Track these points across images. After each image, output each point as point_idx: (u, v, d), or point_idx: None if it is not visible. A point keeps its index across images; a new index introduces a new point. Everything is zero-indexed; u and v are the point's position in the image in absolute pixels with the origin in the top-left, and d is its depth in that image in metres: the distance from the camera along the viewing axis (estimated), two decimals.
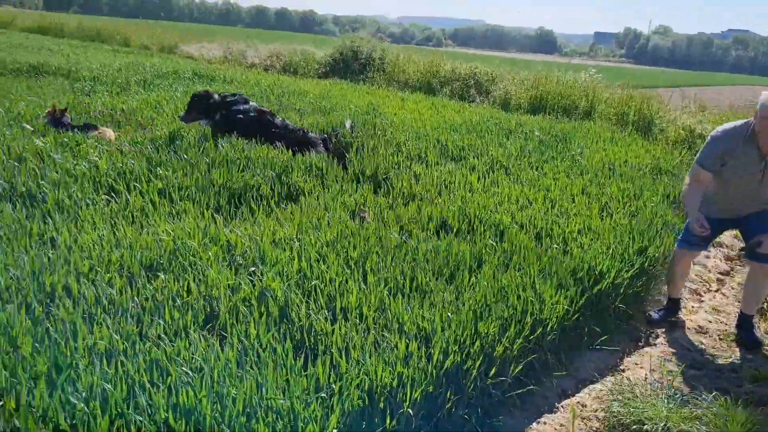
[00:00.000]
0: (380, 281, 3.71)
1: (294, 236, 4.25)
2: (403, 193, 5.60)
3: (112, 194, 4.77)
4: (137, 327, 3.03)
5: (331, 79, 15.17)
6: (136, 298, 3.27)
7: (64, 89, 9.50)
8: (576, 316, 3.89)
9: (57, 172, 4.93)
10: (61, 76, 10.89)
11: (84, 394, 2.51)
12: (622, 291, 4.32)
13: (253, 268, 3.71)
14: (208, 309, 3.28)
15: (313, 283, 3.58)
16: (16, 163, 5.07)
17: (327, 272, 3.71)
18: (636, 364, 3.89)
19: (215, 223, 4.35)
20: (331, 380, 2.80)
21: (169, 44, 21.74)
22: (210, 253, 3.80)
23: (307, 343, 3.11)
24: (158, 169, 5.26)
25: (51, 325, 2.97)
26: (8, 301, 3.13)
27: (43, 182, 4.70)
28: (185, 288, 3.43)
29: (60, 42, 20.19)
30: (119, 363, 2.71)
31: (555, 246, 4.60)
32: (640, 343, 4.26)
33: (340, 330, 3.14)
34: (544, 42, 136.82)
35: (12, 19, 29.12)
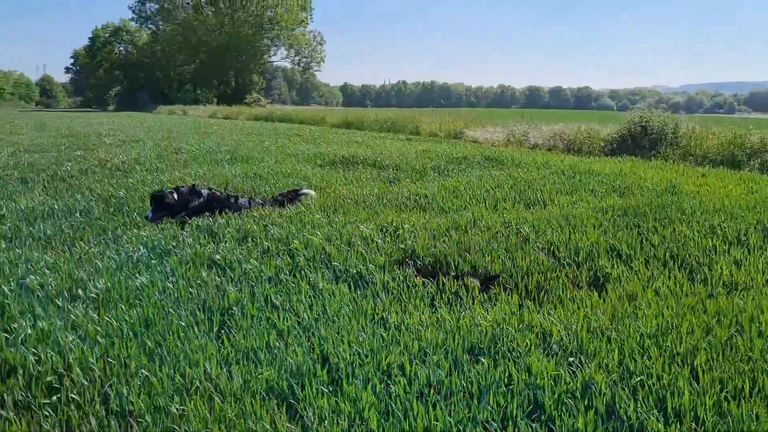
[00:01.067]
0: (714, 381, 3.40)
1: (609, 325, 4.12)
2: (723, 281, 5.12)
3: (429, 277, 5.14)
4: (467, 410, 3.17)
5: (618, 157, 14.70)
6: (461, 381, 3.44)
7: (374, 177, 10.62)
8: None
9: (381, 256, 5.48)
10: (368, 165, 12.22)
11: None
12: None
13: (572, 358, 3.67)
14: (532, 397, 3.30)
15: (638, 378, 3.42)
16: (347, 247, 5.76)
17: (652, 367, 3.51)
18: None
19: (527, 309, 4.42)
20: None
21: (454, 130, 23.14)
22: (527, 340, 3.86)
23: None
24: (466, 253, 5.55)
25: (390, 401, 3.25)
26: (354, 376, 3.51)
27: (370, 265, 5.26)
28: (506, 374, 3.51)
29: (362, 134, 22.79)
30: None
31: None
32: None
33: None
34: None
35: (323, 117, 33.93)
